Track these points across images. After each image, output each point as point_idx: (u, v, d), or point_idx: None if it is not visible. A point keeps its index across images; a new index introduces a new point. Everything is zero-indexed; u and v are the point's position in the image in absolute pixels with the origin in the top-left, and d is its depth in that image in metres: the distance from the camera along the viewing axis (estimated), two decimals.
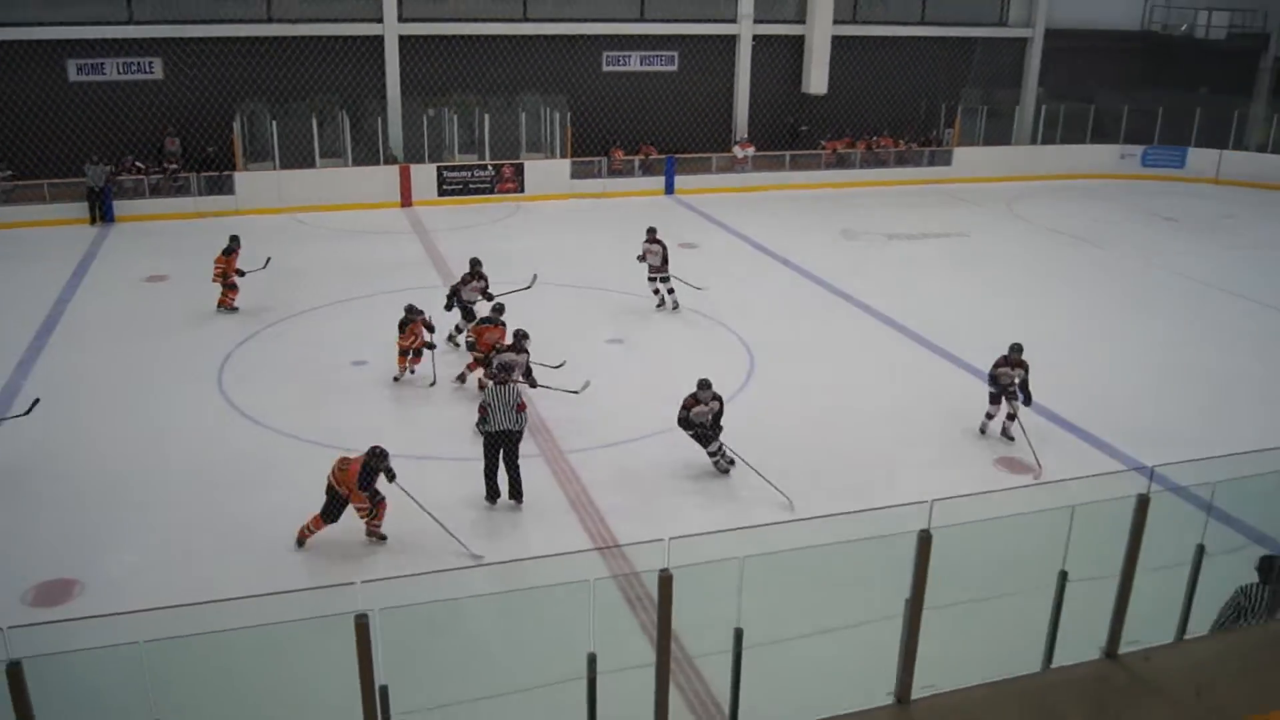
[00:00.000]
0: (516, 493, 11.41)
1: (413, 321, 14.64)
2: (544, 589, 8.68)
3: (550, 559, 8.98)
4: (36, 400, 12.14)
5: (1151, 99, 32.28)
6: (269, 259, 18.46)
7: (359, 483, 10.27)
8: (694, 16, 30.25)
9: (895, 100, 32.45)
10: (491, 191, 27.29)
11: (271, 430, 13.42)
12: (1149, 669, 6.04)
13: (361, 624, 4.93)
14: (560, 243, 22.99)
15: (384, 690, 5.19)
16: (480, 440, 11.59)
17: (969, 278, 21.36)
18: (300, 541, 10.61)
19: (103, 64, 25.51)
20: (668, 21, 29.97)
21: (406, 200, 26.50)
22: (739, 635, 5.96)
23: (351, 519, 10.64)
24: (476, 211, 26.20)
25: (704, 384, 11.99)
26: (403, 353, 14.79)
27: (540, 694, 8.36)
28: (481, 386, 13.92)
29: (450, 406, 14.19)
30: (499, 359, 12.66)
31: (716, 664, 7.52)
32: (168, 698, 5.46)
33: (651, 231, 18.39)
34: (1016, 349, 13.20)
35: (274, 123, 25.61)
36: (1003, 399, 13.29)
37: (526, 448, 11.82)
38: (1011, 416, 13.32)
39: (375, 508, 10.57)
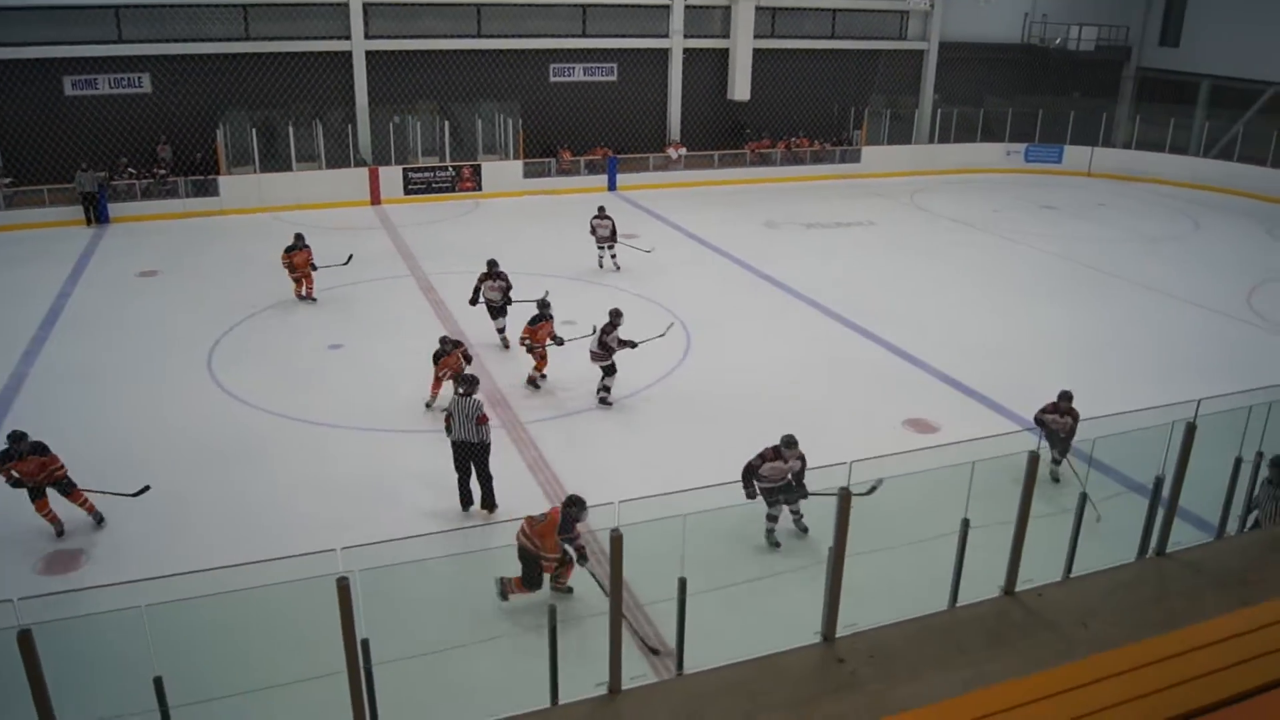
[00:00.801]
0: (488, 503, 10.64)
1: (447, 354, 12.59)
2: (505, 549, 8.64)
3: (513, 522, 8.86)
4: (147, 487, 10.52)
5: (1032, 103, 32.79)
6: (350, 256, 18.24)
7: (560, 529, 8.41)
8: (631, 32, 30.12)
9: (810, 105, 32.60)
10: (452, 190, 26.97)
11: (257, 409, 13.14)
12: (1042, 604, 6.12)
13: (343, 585, 4.87)
14: (515, 234, 22.77)
15: (365, 643, 5.15)
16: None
17: (877, 260, 21.53)
18: (504, 596, 8.74)
19: (95, 79, 24.75)
20: (608, 37, 29.83)
21: (376, 199, 26.13)
22: (683, 584, 5.93)
23: (333, 510, 10.41)
24: (439, 208, 25.88)
25: (790, 441, 9.63)
26: (438, 379, 12.87)
27: (505, 642, 8.33)
28: (533, 382, 13.82)
29: (418, 388, 13.44)
30: (463, 375, 11.30)
31: (663, 611, 7.52)
32: (168, 656, 5.37)
33: (601, 209, 19.89)
34: (1066, 396, 11.15)
35: (254, 130, 25.06)
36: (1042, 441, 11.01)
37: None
38: (1056, 461, 11.15)
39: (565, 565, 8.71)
